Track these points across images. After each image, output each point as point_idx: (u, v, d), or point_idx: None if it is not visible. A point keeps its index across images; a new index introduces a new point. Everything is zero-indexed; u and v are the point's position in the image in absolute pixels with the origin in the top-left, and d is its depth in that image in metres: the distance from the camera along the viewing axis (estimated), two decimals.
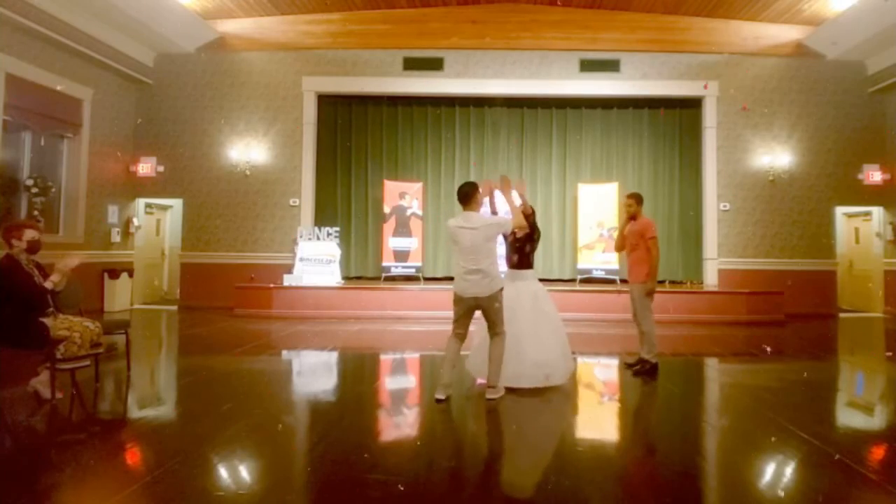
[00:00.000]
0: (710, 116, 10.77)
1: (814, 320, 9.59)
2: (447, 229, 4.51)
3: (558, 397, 4.67)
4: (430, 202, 11.18)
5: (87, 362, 4.56)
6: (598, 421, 4.35)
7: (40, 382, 4.27)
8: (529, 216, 4.80)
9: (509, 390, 4.54)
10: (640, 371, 5.28)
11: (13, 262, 4.28)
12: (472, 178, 11.02)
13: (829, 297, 10.51)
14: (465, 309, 4.39)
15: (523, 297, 4.79)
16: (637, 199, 5.44)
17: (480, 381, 4.75)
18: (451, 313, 4.48)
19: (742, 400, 4.73)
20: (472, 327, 4.58)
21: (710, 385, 5.67)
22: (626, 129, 11.26)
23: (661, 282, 10.79)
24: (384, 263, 10.58)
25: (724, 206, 10.65)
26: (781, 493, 2.86)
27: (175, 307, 10.40)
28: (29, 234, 4.36)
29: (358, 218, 11.23)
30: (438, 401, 4.24)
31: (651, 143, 11.23)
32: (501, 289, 4.37)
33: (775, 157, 10.59)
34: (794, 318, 9.36)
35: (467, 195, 4.40)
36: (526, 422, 4.11)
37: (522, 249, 4.89)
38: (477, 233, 4.28)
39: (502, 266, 4.69)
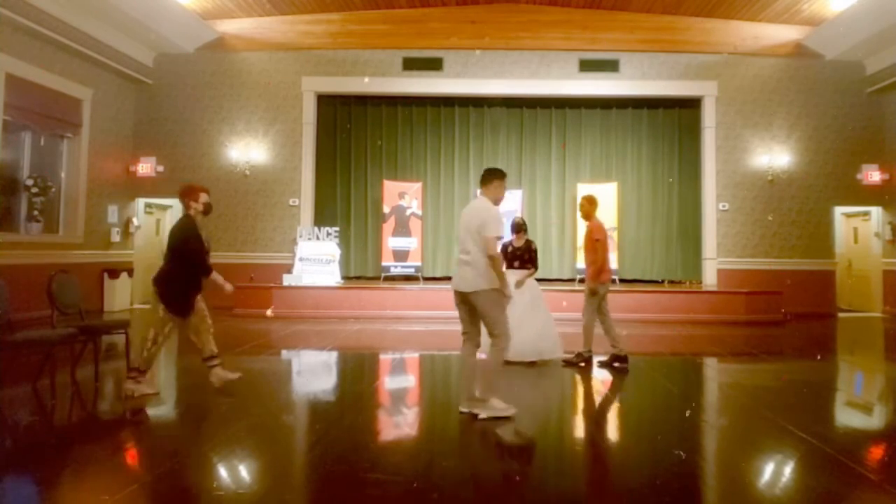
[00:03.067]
0: (709, 116, 10.77)
1: (813, 320, 9.61)
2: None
3: (556, 396, 4.69)
4: (429, 202, 11.18)
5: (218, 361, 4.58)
6: (597, 420, 4.36)
7: (216, 375, 4.47)
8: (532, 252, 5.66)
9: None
10: (612, 363, 5.53)
11: (193, 223, 4.44)
12: (472, 177, 11.19)
13: (827, 297, 10.52)
14: (457, 304, 3.91)
15: (524, 290, 5.48)
16: (590, 200, 5.75)
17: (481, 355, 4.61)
18: (450, 313, 4.43)
19: (740, 399, 4.74)
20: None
21: (709, 384, 5.68)
22: (625, 128, 11.27)
23: (661, 281, 10.85)
24: (384, 263, 10.59)
25: (723, 207, 10.65)
26: (780, 493, 2.88)
27: None
28: (203, 196, 4.51)
29: (357, 218, 11.24)
30: (462, 412, 3.87)
31: (650, 143, 11.24)
32: (494, 290, 3.73)
33: (774, 157, 10.60)
34: (793, 318, 9.37)
35: (485, 178, 3.97)
36: (523, 420, 4.12)
37: (522, 258, 5.66)
38: (471, 218, 3.84)
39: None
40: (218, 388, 4.43)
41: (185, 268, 4.32)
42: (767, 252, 10.59)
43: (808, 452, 3.33)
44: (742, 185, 10.68)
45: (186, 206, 4.46)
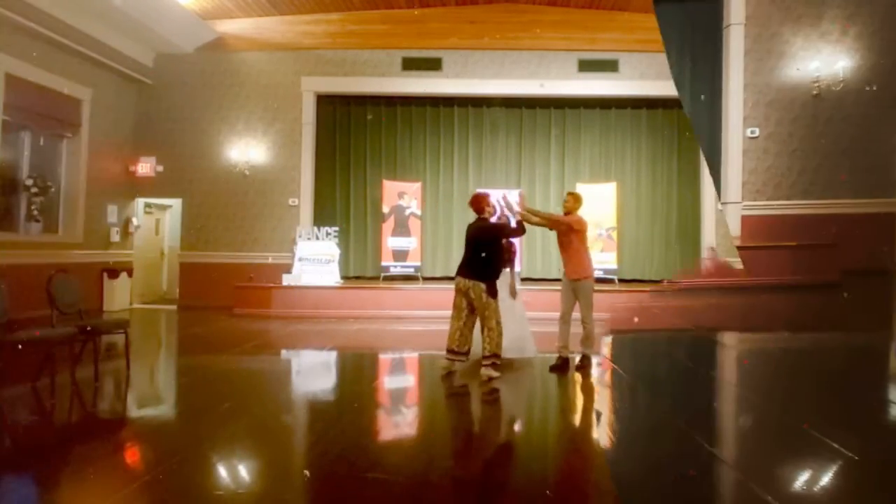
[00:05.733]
0: (736, 9, 10.02)
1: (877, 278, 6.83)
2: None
3: (556, 395, 4.70)
4: (428, 202, 11.18)
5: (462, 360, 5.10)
6: (595, 419, 4.36)
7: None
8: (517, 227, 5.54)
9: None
10: (581, 366, 5.47)
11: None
12: (471, 177, 11.21)
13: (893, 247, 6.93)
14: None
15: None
16: (575, 197, 5.85)
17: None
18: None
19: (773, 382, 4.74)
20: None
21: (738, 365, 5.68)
22: (624, 129, 11.28)
23: (660, 281, 10.84)
24: (383, 263, 10.59)
25: (753, 133, 7.62)
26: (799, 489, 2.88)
27: (174, 307, 10.41)
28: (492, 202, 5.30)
29: (357, 218, 11.24)
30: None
31: (649, 144, 11.25)
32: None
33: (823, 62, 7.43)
34: (851, 277, 6.66)
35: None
36: (521, 418, 4.13)
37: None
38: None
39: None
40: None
41: (500, 255, 5.17)
42: (807, 193, 7.24)
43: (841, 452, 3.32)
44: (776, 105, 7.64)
45: (481, 211, 5.18)
